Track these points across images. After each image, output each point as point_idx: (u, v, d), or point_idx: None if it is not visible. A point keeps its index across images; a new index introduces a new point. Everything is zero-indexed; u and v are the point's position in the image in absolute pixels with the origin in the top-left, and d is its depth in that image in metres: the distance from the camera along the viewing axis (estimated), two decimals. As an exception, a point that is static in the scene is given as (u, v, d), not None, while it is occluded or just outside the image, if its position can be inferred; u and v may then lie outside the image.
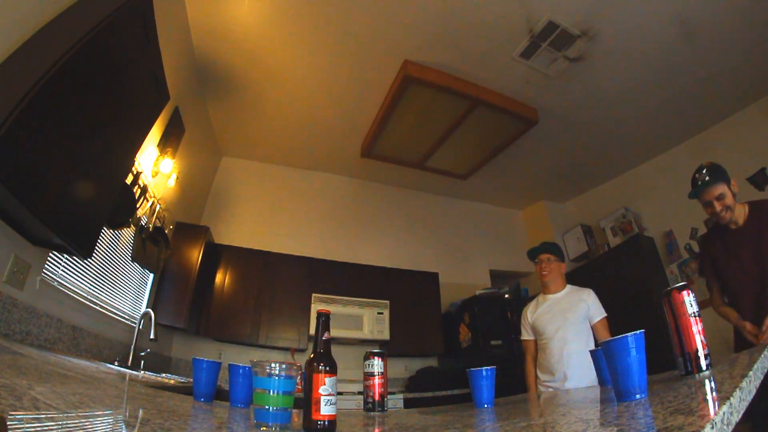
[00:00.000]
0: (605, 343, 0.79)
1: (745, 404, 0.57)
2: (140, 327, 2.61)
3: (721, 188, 1.82)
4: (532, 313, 2.23)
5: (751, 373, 0.67)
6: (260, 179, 4.73)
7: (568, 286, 2.23)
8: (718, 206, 1.83)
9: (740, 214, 1.87)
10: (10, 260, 1.51)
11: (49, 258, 1.76)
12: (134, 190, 2.44)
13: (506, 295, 4.38)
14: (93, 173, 1.69)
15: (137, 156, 2.33)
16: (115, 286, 2.48)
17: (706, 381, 0.80)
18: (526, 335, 2.27)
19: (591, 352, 1.46)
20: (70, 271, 1.96)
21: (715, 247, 2.02)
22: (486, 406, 1.20)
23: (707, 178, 1.84)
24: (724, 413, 0.48)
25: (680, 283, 0.96)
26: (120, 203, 2.20)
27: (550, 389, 2.07)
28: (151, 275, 3.04)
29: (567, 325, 2.08)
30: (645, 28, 2.93)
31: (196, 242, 3.46)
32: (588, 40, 3.01)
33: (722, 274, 1.99)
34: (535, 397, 2.02)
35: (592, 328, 2.10)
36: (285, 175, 4.85)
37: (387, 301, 4.15)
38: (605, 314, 2.13)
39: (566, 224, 5.32)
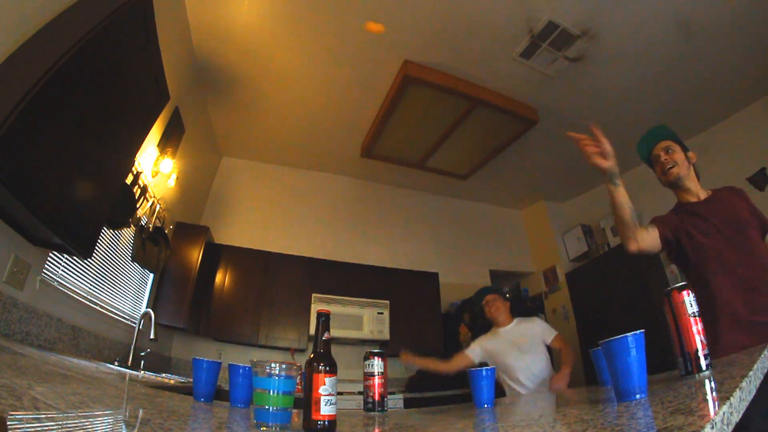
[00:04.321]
0: (605, 343, 0.79)
1: (745, 404, 0.57)
2: (140, 327, 2.61)
3: (667, 143, 1.66)
4: (487, 342, 2.48)
5: (751, 373, 0.67)
6: (260, 179, 4.73)
7: (516, 319, 2.52)
8: (663, 156, 1.63)
9: (700, 188, 1.63)
10: (10, 260, 1.51)
11: (49, 258, 1.76)
12: (134, 190, 2.44)
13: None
14: (93, 173, 1.69)
15: (137, 156, 2.34)
16: (115, 286, 2.48)
17: (706, 381, 0.80)
18: (471, 352, 2.46)
19: (591, 352, 1.45)
20: (70, 271, 1.96)
21: (679, 218, 1.63)
22: (486, 406, 1.20)
23: (656, 128, 1.70)
24: (724, 413, 0.48)
25: (680, 283, 0.96)
26: (120, 203, 2.20)
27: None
28: (151, 275, 3.04)
29: (526, 352, 2.31)
30: (645, 28, 2.93)
31: (196, 242, 3.46)
32: (588, 40, 3.01)
33: (694, 245, 1.55)
34: (535, 397, 2.07)
35: (549, 347, 2.37)
36: (285, 175, 4.84)
37: (387, 301, 4.15)
38: (556, 332, 2.41)
39: (566, 224, 5.32)
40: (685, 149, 1.66)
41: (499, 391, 1.28)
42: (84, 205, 1.64)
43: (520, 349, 2.32)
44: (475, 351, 2.46)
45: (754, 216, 1.53)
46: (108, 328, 2.37)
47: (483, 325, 4.02)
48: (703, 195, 1.63)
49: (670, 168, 1.61)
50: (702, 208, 1.59)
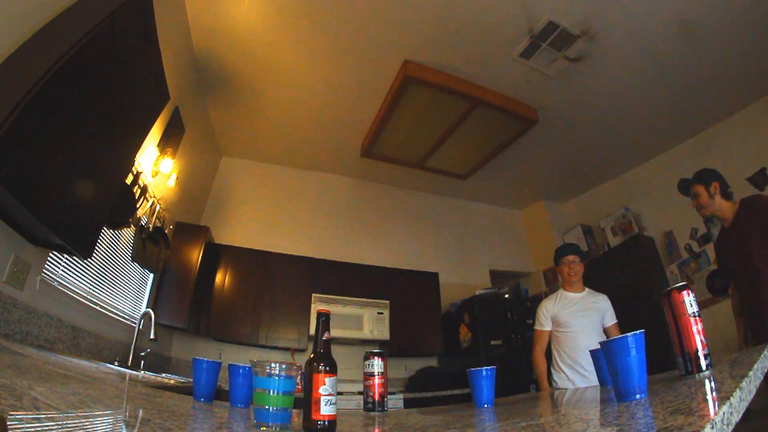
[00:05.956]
0: (605, 343, 0.79)
1: (745, 404, 0.57)
2: (140, 327, 2.61)
3: (695, 188, 2.04)
4: (554, 306, 2.33)
5: (751, 373, 0.67)
6: (260, 179, 4.73)
7: (586, 289, 2.37)
8: (693, 203, 2.05)
9: (728, 211, 1.98)
10: (10, 260, 1.51)
11: (49, 258, 1.76)
12: (134, 190, 2.44)
13: (506, 295, 4.38)
14: (93, 173, 1.69)
15: (137, 156, 2.33)
16: (115, 286, 2.48)
17: (706, 381, 0.80)
18: (543, 326, 2.34)
19: (591, 351, 1.46)
20: (70, 271, 1.96)
21: (717, 245, 2.18)
22: (486, 406, 1.19)
23: (688, 178, 2.10)
24: (724, 413, 0.48)
25: (680, 283, 0.96)
26: (120, 203, 2.19)
27: (569, 385, 2.13)
28: (151, 275, 3.04)
29: (590, 323, 2.22)
30: (645, 28, 2.93)
31: (196, 242, 3.46)
32: (588, 40, 3.01)
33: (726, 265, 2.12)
34: (539, 393, 2.05)
35: (606, 331, 2.24)
36: (285, 175, 4.84)
37: (387, 301, 4.15)
38: (616, 320, 2.28)
39: (566, 224, 5.32)
40: (707, 185, 2.02)
41: (499, 391, 1.27)
42: (84, 205, 1.64)
43: (589, 318, 2.22)
44: (546, 323, 2.33)
45: (763, 240, 1.82)
46: (108, 328, 2.37)
47: (483, 326, 4.04)
48: (730, 214, 1.98)
49: (700, 212, 2.05)
50: (724, 237, 2.04)
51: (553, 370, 2.28)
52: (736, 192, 2.09)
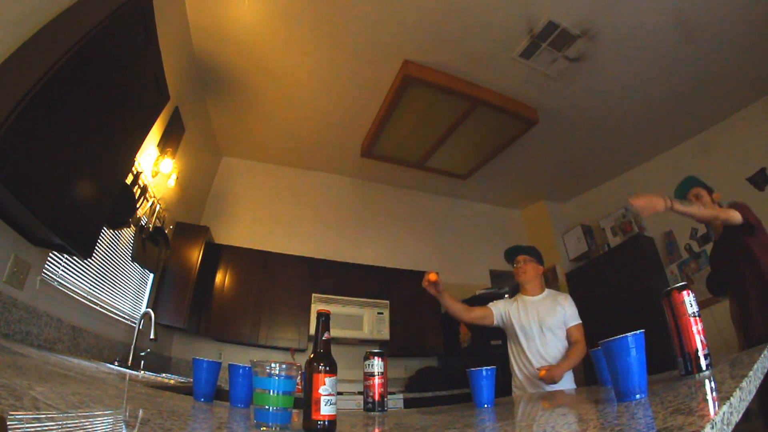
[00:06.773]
0: (605, 343, 0.79)
1: (745, 404, 0.57)
2: (140, 327, 2.61)
3: (698, 190, 2.11)
4: (510, 304, 2.19)
5: (751, 373, 0.67)
6: (260, 179, 4.73)
7: (547, 290, 2.21)
8: (695, 202, 2.08)
9: (720, 224, 2.05)
10: (10, 260, 1.51)
11: (49, 258, 1.76)
12: (134, 190, 2.44)
13: (506, 295, 4.37)
14: (93, 173, 1.69)
15: (137, 156, 2.33)
16: (115, 286, 2.48)
17: (706, 381, 0.80)
18: (492, 306, 2.21)
19: (591, 352, 1.46)
20: (70, 271, 1.96)
21: (711, 254, 2.28)
22: (486, 406, 1.19)
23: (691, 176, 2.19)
24: (724, 413, 0.48)
25: (680, 283, 0.96)
26: (120, 203, 2.20)
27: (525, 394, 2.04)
28: (151, 275, 3.04)
29: (545, 331, 2.04)
30: (645, 28, 2.93)
31: (196, 242, 3.46)
32: (588, 40, 3.01)
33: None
34: (533, 396, 2.03)
35: (567, 332, 2.06)
36: (285, 175, 4.84)
37: (387, 301, 4.15)
38: (580, 321, 2.08)
39: (566, 224, 5.32)
40: (710, 192, 2.11)
41: (500, 390, 1.27)
42: (84, 205, 1.64)
43: (542, 325, 2.04)
44: (497, 307, 2.19)
45: (745, 253, 1.90)
46: (108, 328, 2.37)
47: (483, 326, 4.04)
48: (721, 227, 2.05)
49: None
50: (717, 247, 2.16)
51: (513, 378, 2.16)
52: (736, 192, 2.12)
